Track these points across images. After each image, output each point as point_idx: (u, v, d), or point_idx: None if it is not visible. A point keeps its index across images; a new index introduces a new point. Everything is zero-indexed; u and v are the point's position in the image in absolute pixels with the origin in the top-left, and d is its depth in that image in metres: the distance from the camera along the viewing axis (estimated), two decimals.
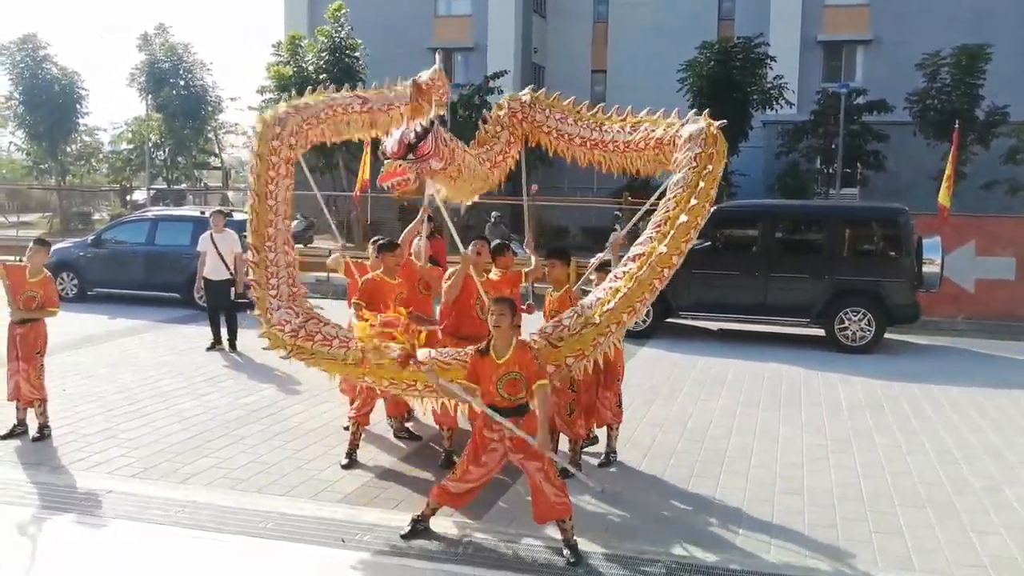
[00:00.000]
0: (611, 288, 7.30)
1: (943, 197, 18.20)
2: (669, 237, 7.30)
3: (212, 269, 14.07)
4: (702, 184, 7.49)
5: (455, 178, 8.38)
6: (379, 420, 9.91)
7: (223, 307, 14.17)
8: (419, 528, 6.90)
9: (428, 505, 6.95)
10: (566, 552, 6.58)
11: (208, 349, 13.86)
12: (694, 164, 7.64)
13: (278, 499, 7.67)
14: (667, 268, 7.28)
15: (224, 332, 14.03)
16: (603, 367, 8.73)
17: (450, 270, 8.73)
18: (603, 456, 8.91)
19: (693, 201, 7.40)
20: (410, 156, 7.51)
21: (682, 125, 8.04)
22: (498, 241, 9.67)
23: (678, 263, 7.37)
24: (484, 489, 7.00)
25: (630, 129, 8.52)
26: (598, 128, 8.81)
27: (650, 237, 7.45)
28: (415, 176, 7.58)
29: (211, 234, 14.17)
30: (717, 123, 7.86)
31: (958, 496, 8.12)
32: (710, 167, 7.62)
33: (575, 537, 6.67)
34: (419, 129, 7.61)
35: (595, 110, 9.02)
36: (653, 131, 8.27)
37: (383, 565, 6.48)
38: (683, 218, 7.33)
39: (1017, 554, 6.86)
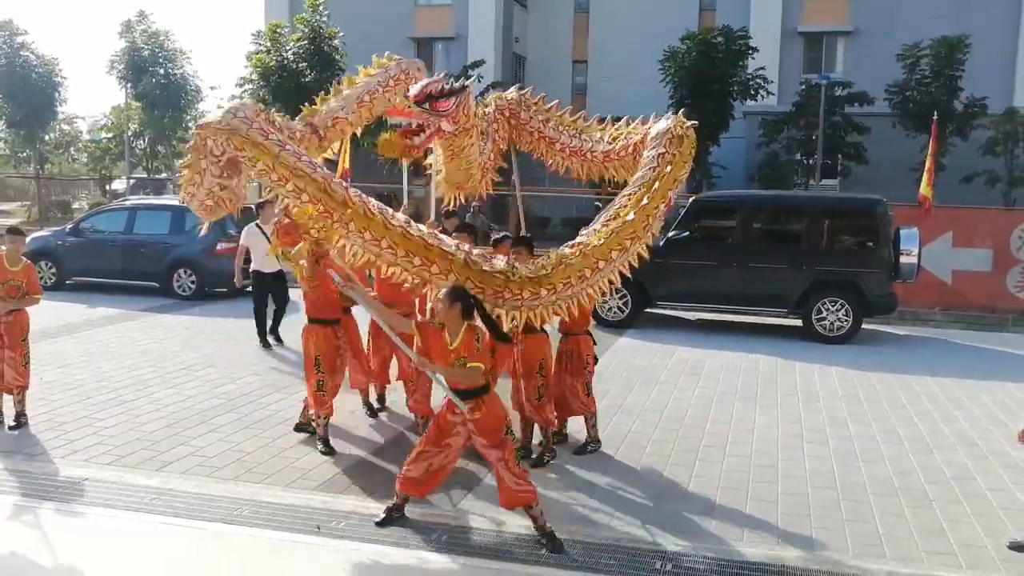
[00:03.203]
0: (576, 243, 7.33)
1: (924, 189, 18.32)
2: (612, 232, 7.27)
3: (264, 262, 13.46)
4: (657, 184, 7.47)
5: (456, 155, 8.34)
6: (355, 408, 9.96)
7: (277, 300, 13.92)
8: (394, 516, 6.93)
9: (396, 495, 7.00)
10: (543, 541, 6.60)
11: (263, 347, 13.46)
12: (655, 164, 7.61)
13: (254, 487, 7.69)
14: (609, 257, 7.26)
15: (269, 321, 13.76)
16: (570, 356, 8.80)
17: None
18: (580, 444, 8.96)
19: (645, 200, 7.37)
20: (426, 105, 7.46)
21: (655, 122, 8.05)
22: (504, 233, 9.73)
23: (617, 259, 7.33)
24: (459, 477, 7.03)
25: (609, 140, 8.51)
26: (577, 136, 8.81)
27: (595, 230, 7.42)
28: (424, 133, 7.53)
29: (257, 224, 13.52)
30: (688, 123, 7.85)
31: (930, 485, 8.20)
32: (668, 168, 7.58)
33: (548, 524, 6.70)
34: (448, 86, 7.60)
35: (577, 116, 9.03)
36: (631, 138, 8.27)
37: (358, 552, 6.49)
38: (631, 216, 7.30)
39: (987, 542, 6.94)
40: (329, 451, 8.62)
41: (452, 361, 6.55)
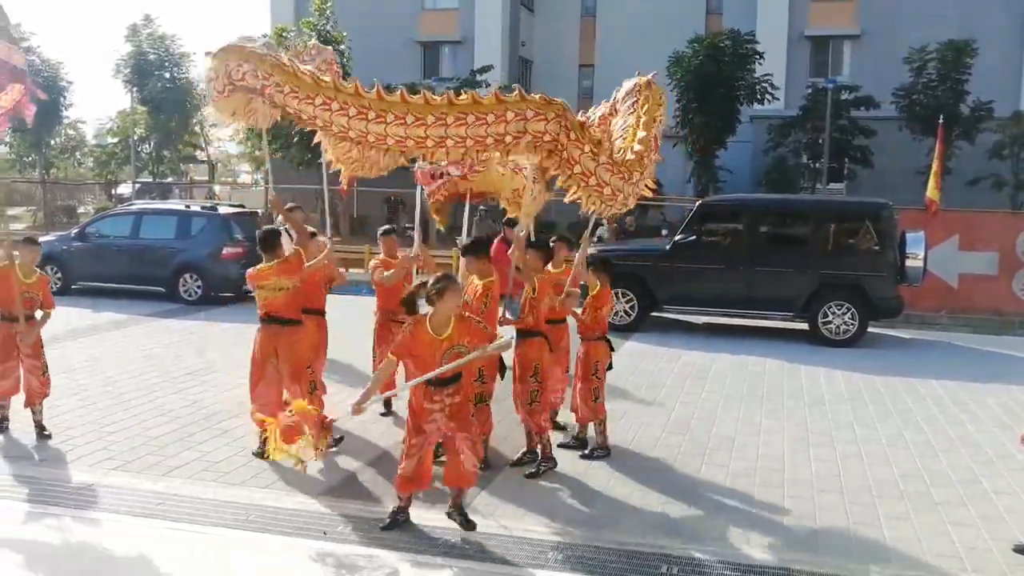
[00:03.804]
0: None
1: (931, 192, 18.32)
2: (632, 152, 7.40)
3: None
4: (643, 118, 7.70)
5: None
6: (368, 410, 9.96)
7: None
8: (399, 520, 6.94)
9: (399, 498, 7.01)
10: (457, 518, 6.93)
11: None
12: (632, 109, 7.87)
13: (260, 491, 7.69)
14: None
15: None
16: (582, 361, 8.84)
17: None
18: (587, 449, 8.96)
19: (641, 132, 7.56)
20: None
21: (617, 91, 8.35)
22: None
23: (638, 181, 7.43)
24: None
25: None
26: None
27: (616, 152, 7.54)
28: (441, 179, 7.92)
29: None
30: (648, 75, 8.20)
31: (936, 488, 8.20)
32: (646, 107, 7.82)
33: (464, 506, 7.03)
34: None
35: None
36: (595, 112, 8.43)
37: (364, 556, 6.49)
38: (637, 147, 7.44)
39: (992, 545, 6.93)
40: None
41: (445, 350, 6.59)
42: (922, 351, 15.17)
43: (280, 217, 9.77)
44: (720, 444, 9.43)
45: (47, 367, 9.27)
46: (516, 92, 7.10)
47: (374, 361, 10.05)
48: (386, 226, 10.35)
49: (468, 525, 6.90)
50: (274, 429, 6.81)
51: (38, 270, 9.29)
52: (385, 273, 9.79)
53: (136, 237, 18.79)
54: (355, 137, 7.23)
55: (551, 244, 9.33)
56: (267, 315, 8.58)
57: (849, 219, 16.34)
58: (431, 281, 6.68)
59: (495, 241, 9.99)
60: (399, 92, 7.15)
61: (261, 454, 8.54)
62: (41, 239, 19.00)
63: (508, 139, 6.96)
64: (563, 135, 6.96)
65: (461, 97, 7.08)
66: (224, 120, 8.68)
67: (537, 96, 7.09)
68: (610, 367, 9.16)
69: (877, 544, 6.94)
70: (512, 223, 10.95)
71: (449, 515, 7.01)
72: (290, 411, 6.90)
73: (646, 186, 7.61)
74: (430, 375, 6.58)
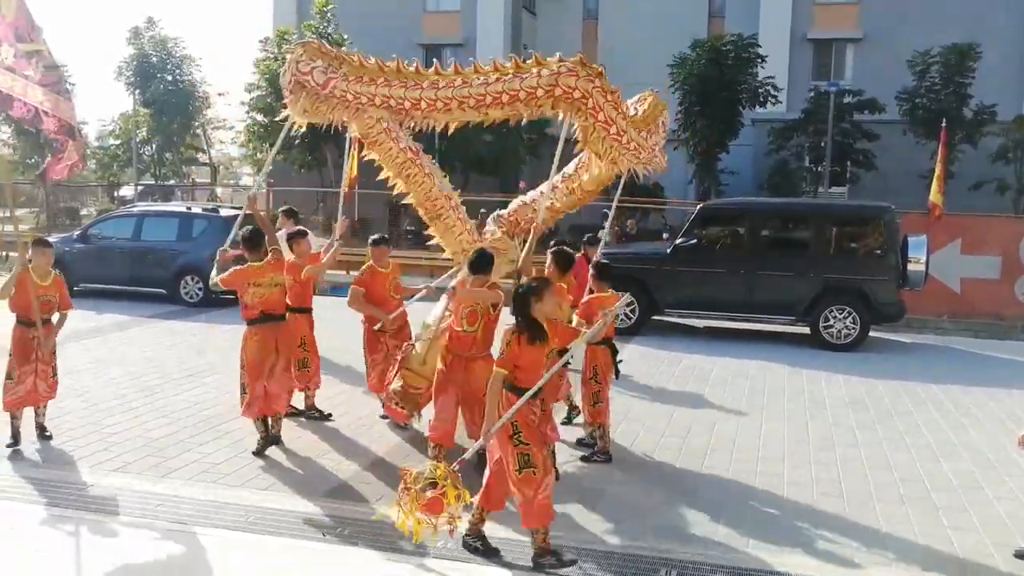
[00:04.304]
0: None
1: (935, 196, 18.33)
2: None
3: None
4: (650, 109, 9.09)
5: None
6: (368, 412, 9.97)
7: None
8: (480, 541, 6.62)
9: (485, 512, 6.62)
10: (480, 547, 6.51)
11: None
12: (640, 103, 9.29)
13: (260, 493, 7.69)
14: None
15: None
16: (584, 362, 8.85)
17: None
18: (587, 453, 8.96)
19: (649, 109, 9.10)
20: None
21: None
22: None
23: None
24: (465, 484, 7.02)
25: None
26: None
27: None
28: None
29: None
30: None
31: (936, 492, 8.19)
32: (650, 99, 9.28)
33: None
34: None
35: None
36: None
37: (363, 558, 6.49)
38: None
39: (993, 551, 6.92)
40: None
41: (548, 352, 6.52)
42: (923, 355, 15.15)
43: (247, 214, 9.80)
44: (721, 447, 9.42)
45: (56, 370, 9.23)
46: (556, 56, 7.91)
47: (367, 369, 10.02)
48: (376, 236, 10.27)
49: (492, 553, 6.49)
50: (411, 507, 6.09)
51: (53, 271, 9.11)
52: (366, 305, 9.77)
53: (138, 239, 18.75)
54: (409, 106, 8.28)
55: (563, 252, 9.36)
56: (263, 313, 8.70)
57: (851, 223, 16.34)
58: (526, 284, 6.57)
59: (576, 256, 10.03)
60: (453, 65, 8.30)
61: (261, 454, 8.60)
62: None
63: (540, 92, 7.83)
64: (593, 90, 7.74)
65: (506, 65, 8.06)
66: (298, 118, 9.04)
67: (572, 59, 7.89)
68: (617, 375, 9.04)
69: (877, 548, 6.93)
70: (594, 241, 11.27)
71: (467, 544, 6.54)
72: (425, 478, 6.16)
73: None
74: (541, 382, 6.40)
